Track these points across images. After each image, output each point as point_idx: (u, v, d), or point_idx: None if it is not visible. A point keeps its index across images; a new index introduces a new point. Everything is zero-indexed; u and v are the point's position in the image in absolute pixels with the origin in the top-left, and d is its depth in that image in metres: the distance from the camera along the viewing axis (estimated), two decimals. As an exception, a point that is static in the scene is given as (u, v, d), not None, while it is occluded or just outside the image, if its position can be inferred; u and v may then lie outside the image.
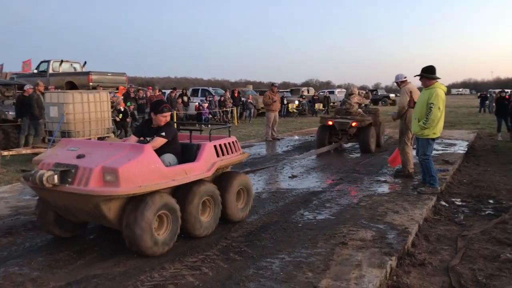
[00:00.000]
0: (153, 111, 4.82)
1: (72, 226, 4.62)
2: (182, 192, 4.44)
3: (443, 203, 6.33)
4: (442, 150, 11.06)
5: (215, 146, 4.92)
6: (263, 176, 8.11)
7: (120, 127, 14.14)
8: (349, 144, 12.07)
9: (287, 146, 12.51)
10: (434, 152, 8.13)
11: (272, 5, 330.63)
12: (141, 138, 4.83)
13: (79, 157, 4.06)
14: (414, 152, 7.76)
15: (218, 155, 4.91)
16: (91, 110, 10.03)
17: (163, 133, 4.63)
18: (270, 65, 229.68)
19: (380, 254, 4.11)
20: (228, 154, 5.09)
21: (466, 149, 11.45)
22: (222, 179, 5.07)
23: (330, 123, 11.08)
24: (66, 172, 3.91)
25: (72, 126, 9.64)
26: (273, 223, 5.15)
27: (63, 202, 4.13)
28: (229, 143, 5.19)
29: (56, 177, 3.85)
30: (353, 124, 10.77)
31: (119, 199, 3.96)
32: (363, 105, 12.02)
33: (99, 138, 9.99)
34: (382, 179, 7.72)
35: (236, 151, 5.28)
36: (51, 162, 4.07)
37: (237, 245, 4.40)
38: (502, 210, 5.89)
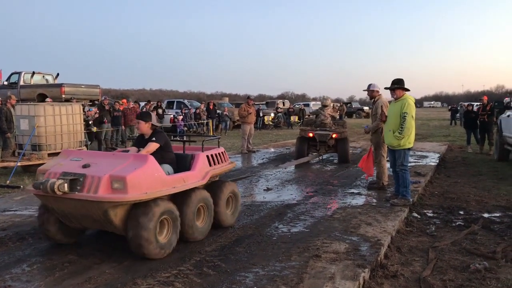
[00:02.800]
0: (137, 119, 5.18)
1: (73, 233, 4.81)
2: (180, 199, 4.68)
3: (415, 214, 6.43)
4: (415, 162, 11.27)
5: (207, 156, 5.27)
6: (238, 189, 8.07)
7: (93, 138, 13.97)
8: (324, 156, 12.23)
9: (263, 159, 12.53)
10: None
11: (249, 18, 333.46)
12: (140, 149, 5.09)
13: (84, 166, 4.31)
14: (388, 165, 7.88)
15: (210, 165, 5.26)
16: (63, 123, 9.88)
17: (154, 138, 5.00)
18: (246, 77, 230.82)
19: (353, 266, 4.14)
20: (218, 163, 5.45)
21: (437, 161, 11.70)
22: (213, 187, 5.35)
23: (311, 135, 11.36)
24: (75, 181, 4.15)
25: (43, 139, 9.49)
26: (247, 237, 5.13)
27: (70, 209, 4.33)
28: (218, 153, 5.54)
29: (66, 185, 4.09)
30: (334, 135, 11.16)
31: (125, 205, 4.20)
32: (335, 117, 12.36)
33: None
34: (356, 191, 7.80)
35: (225, 161, 5.64)
36: (58, 171, 4.31)
37: (211, 259, 4.36)
38: (472, 221, 6.03)
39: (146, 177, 4.24)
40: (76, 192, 4.12)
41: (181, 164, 5.15)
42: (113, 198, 4.07)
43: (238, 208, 5.77)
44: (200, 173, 5.03)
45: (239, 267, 4.15)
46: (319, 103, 15.49)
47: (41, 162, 9.55)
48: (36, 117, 9.40)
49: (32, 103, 11.85)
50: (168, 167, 4.93)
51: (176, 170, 5.02)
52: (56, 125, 9.72)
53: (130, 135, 15.29)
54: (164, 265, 4.19)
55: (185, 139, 6.46)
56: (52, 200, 4.32)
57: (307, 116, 27.85)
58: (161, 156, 4.88)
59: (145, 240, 4.15)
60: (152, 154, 4.75)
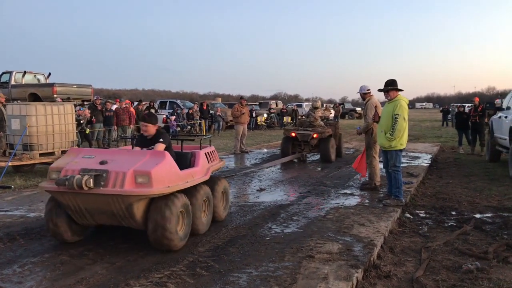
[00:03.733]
0: (146, 122, 5.28)
1: (80, 230, 4.90)
2: (190, 193, 4.91)
3: (408, 215, 6.46)
4: (407, 163, 11.32)
5: (205, 154, 5.54)
6: (231, 189, 8.07)
7: (83, 138, 13.88)
8: (316, 157, 12.36)
9: (255, 159, 12.53)
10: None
11: (241, 19, 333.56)
12: (144, 149, 5.20)
13: (102, 163, 4.42)
14: (381, 165, 7.90)
15: (208, 162, 5.55)
16: (55, 122, 9.79)
17: (161, 140, 5.15)
18: (239, 78, 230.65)
19: (347, 267, 4.14)
20: (212, 161, 5.72)
21: (429, 162, 11.77)
22: (210, 183, 5.50)
23: (293, 134, 11.84)
24: (98, 176, 4.25)
25: (34, 139, 9.39)
26: (240, 237, 5.12)
27: (89, 205, 4.42)
28: (211, 151, 5.83)
29: (92, 180, 4.19)
30: (314, 135, 11.59)
31: (145, 199, 4.39)
32: (324, 118, 12.85)
33: (63, 152, 9.75)
34: (349, 192, 7.82)
35: (216, 159, 5.91)
36: (76, 168, 4.38)
37: (204, 260, 4.35)
38: (464, 221, 6.06)
39: (166, 172, 4.48)
40: (101, 188, 4.24)
41: (181, 161, 5.25)
42: (141, 192, 4.24)
43: (229, 203, 6.10)
44: (203, 169, 5.31)
45: (232, 268, 4.14)
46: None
47: (32, 162, 9.50)
48: (27, 116, 9.31)
49: (23, 102, 11.76)
50: None
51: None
52: (48, 125, 9.63)
53: (122, 135, 15.21)
54: (156, 266, 4.17)
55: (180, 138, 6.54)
56: (72, 197, 4.38)
57: (299, 117, 28.03)
58: None
59: (170, 232, 4.36)
60: None
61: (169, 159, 4.63)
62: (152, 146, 5.18)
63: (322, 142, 11.72)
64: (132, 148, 5.67)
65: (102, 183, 4.25)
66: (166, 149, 5.10)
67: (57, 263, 4.29)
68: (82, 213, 4.55)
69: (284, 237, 5.13)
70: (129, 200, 4.26)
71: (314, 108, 12.47)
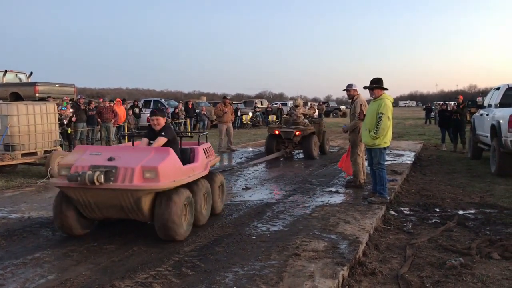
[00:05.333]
0: (156, 116, 5.48)
1: (88, 224, 5.12)
2: (192, 187, 5.14)
3: (392, 212, 6.51)
4: (391, 160, 11.42)
5: (203, 149, 5.79)
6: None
7: (65, 137, 13.70)
8: (301, 155, 12.46)
9: (241, 158, 12.53)
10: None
11: (225, 17, 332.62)
12: (151, 142, 5.46)
13: (110, 159, 4.63)
14: (366, 163, 7.95)
15: (206, 157, 5.79)
16: (37, 122, 9.63)
17: (163, 133, 5.35)
18: (224, 77, 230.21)
19: (333, 265, 4.16)
20: (209, 157, 5.97)
21: (413, 160, 11.90)
22: (208, 178, 5.76)
23: (277, 132, 12.14)
24: (108, 172, 4.47)
25: (16, 139, 9.22)
26: (226, 236, 5.11)
27: (98, 199, 4.64)
28: (208, 147, 6.10)
29: (103, 176, 4.40)
30: (297, 133, 11.88)
31: (152, 194, 4.63)
32: (308, 116, 13.12)
33: (46, 152, 9.62)
34: (334, 189, 7.85)
35: (213, 155, 6.19)
36: (85, 165, 4.59)
37: (190, 259, 4.32)
38: (447, 218, 6.13)
39: (171, 167, 4.74)
40: (111, 183, 4.45)
41: (182, 157, 5.46)
42: (149, 186, 4.48)
43: (224, 197, 6.38)
44: (202, 164, 5.58)
45: (218, 267, 4.12)
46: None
47: (14, 162, 9.34)
48: (9, 116, 9.15)
49: (4, 102, 11.56)
50: None
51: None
52: (30, 125, 9.47)
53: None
54: (142, 266, 4.13)
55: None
56: (82, 192, 4.60)
57: (284, 116, 28.18)
58: None
59: (176, 224, 4.63)
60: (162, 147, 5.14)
61: (173, 155, 4.86)
62: (152, 142, 5.42)
63: (304, 139, 12.02)
64: (133, 145, 6.03)
65: (112, 178, 4.47)
66: (168, 142, 5.31)
67: (40, 265, 4.23)
68: (91, 208, 4.78)
69: (270, 236, 5.13)
70: (137, 194, 4.51)
71: (295, 106, 12.74)
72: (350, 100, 8.21)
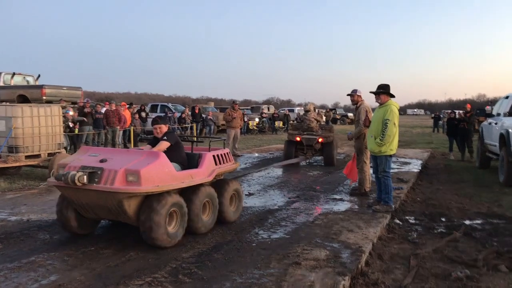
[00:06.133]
0: (158, 125, 5.55)
1: (89, 224, 5.19)
2: (188, 194, 5.07)
3: (397, 221, 6.37)
4: (397, 168, 11.26)
5: (213, 156, 5.65)
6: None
7: (70, 141, 13.69)
8: (304, 162, 12.37)
9: (245, 164, 12.42)
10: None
11: (235, 23, 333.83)
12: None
13: (102, 161, 4.67)
14: (371, 171, 7.82)
15: (216, 164, 5.64)
16: (41, 124, 9.60)
17: (165, 137, 5.40)
18: (233, 83, 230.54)
19: (333, 274, 4.04)
20: (223, 163, 5.82)
21: (420, 168, 11.73)
22: (218, 185, 5.74)
23: (298, 139, 12.03)
24: (93, 173, 4.50)
25: (20, 141, 9.19)
26: (226, 243, 5.00)
27: (88, 200, 4.66)
28: (223, 154, 5.92)
29: (85, 177, 4.43)
30: (320, 140, 11.82)
31: (138, 197, 4.56)
32: (320, 122, 13.02)
33: (49, 154, 9.58)
34: (338, 197, 7.72)
35: (229, 161, 6.00)
36: (77, 165, 4.67)
37: (187, 266, 4.22)
38: (454, 228, 5.98)
39: (157, 172, 4.62)
40: (94, 184, 4.46)
41: (190, 162, 5.58)
42: (127, 189, 4.42)
43: (241, 205, 6.12)
44: (206, 170, 5.42)
45: (216, 275, 4.02)
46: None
47: (17, 164, 9.30)
48: (13, 118, 9.13)
49: (9, 104, 11.56)
50: (176, 166, 5.17)
51: (186, 168, 5.40)
52: (34, 127, 9.44)
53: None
54: (137, 272, 4.04)
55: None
56: (72, 192, 4.67)
57: (291, 122, 28.07)
58: (170, 155, 5.10)
59: (156, 223, 4.49)
60: (164, 152, 5.04)
61: (163, 159, 4.76)
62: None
63: (325, 146, 11.97)
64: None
65: (96, 180, 4.48)
66: (171, 147, 5.30)
67: (34, 269, 4.14)
68: (84, 207, 4.81)
69: (270, 243, 5.02)
70: (118, 196, 4.44)
71: (306, 112, 12.60)
72: (354, 106, 8.10)
